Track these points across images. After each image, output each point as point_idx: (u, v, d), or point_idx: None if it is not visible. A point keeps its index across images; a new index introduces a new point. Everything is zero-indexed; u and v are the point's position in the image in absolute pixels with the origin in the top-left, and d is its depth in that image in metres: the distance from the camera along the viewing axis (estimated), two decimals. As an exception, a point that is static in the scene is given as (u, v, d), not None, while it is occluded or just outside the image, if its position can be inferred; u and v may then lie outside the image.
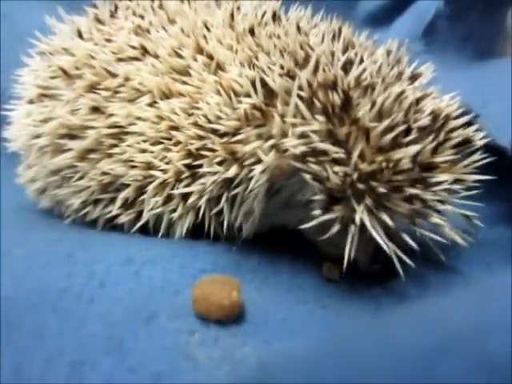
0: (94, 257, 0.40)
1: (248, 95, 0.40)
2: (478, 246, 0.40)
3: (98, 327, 0.31)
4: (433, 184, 0.37)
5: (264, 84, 0.40)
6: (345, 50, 0.42)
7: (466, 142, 0.40)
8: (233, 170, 0.40)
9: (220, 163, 0.41)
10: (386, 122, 0.36)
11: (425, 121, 0.38)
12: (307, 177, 0.36)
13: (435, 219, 0.37)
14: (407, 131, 0.37)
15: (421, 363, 0.17)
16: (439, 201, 0.38)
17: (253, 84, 0.40)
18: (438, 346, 0.18)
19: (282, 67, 0.40)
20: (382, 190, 0.35)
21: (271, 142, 0.38)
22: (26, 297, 0.34)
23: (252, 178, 0.39)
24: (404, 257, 0.36)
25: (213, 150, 0.41)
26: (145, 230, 0.48)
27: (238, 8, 0.51)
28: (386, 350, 0.20)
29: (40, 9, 0.89)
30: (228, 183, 0.41)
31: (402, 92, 0.39)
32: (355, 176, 0.35)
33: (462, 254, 0.42)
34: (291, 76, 0.39)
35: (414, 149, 0.36)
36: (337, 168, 0.35)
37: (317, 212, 0.36)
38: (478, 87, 0.55)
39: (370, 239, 0.36)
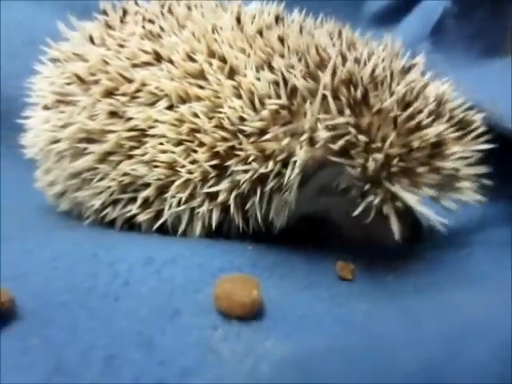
0: (116, 257, 0.41)
1: (269, 97, 0.43)
2: (487, 244, 0.42)
3: (125, 323, 0.33)
4: (448, 155, 0.42)
5: (285, 85, 0.42)
6: (348, 50, 0.46)
7: (469, 122, 0.45)
8: (267, 166, 0.42)
9: (252, 161, 0.43)
10: (410, 109, 0.41)
11: (432, 106, 0.43)
12: (343, 166, 0.40)
13: (461, 184, 0.43)
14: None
15: (448, 346, 0.19)
16: (456, 169, 0.42)
17: (274, 85, 0.43)
18: (462, 331, 0.19)
19: (303, 69, 0.43)
20: (416, 167, 0.40)
21: (304, 136, 0.41)
22: (56, 294, 0.35)
23: (284, 172, 0.41)
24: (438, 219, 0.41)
25: (242, 150, 0.43)
26: (160, 229, 0.49)
27: (242, 12, 0.53)
28: (413, 335, 0.21)
29: (50, 15, 0.91)
30: (261, 179, 0.43)
31: (412, 81, 0.44)
32: (388, 159, 0.39)
33: (472, 253, 0.44)
34: (312, 76, 0.42)
35: (435, 130, 0.41)
36: (369, 154, 0.39)
37: (357, 197, 0.41)
38: (485, 85, 0.57)
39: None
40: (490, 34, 0.72)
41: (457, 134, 0.44)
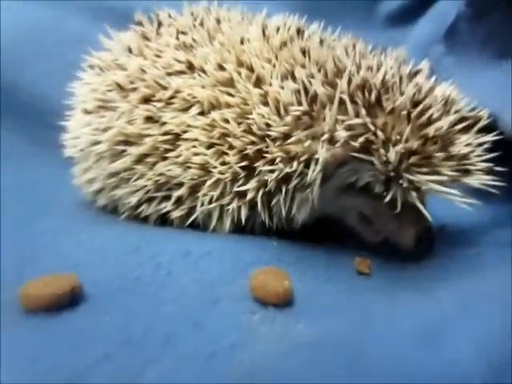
0: (157, 250, 0.46)
1: (292, 104, 0.47)
2: (496, 244, 0.46)
3: (174, 308, 0.37)
4: (460, 142, 0.47)
5: (306, 93, 0.47)
6: (361, 59, 0.50)
7: (475, 117, 0.50)
8: (291, 166, 0.46)
9: (278, 162, 0.47)
10: (420, 106, 0.45)
11: (439, 105, 0.47)
12: (364, 162, 0.45)
13: (479, 166, 0.47)
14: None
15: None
16: (468, 154, 0.47)
17: (296, 94, 0.47)
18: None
19: (322, 78, 0.47)
20: (432, 156, 0.44)
21: (324, 137, 0.45)
22: (110, 282, 0.40)
23: (306, 171, 0.46)
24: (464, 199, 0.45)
25: (268, 152, 0.48)
26: (191, 225, 0.54)
27: (267, 24, 0.57)
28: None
29: (78, 17, 0.96)
30: (286, 178, 0.48)
31: (419, 83, 0.49)
32: (405, 152, 0.44)
33: (481, 252, 0.48)
34: (330, 84, 0.47)
35: (445, 121, 0.46)
36: (388, 149, 0.44)
37: (380, 192, 0.46)
38: (499, 88, 0.60)
39: (417, 217, 0.46)
40: (504, 38, 0.71)
41: (465, 125, 0.48)
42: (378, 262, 0.49)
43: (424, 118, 0.45)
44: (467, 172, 0.46)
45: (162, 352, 0.32)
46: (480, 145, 0.48)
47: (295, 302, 0.40)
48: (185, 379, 0.30)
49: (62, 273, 0.38)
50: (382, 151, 0.44)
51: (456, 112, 0.48)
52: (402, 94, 0.46)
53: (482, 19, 0.70)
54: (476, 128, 0.49)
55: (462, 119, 0.48)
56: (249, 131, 0.49)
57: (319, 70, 0.48)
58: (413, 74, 0.51)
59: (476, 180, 0.47)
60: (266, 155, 0.48)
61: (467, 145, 0.47)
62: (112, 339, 0.32)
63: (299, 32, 0.55)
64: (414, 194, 0.44)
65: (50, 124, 0.64)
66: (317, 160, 0.45)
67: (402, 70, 0.50)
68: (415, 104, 0.46)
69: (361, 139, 0.44)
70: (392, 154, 0.44)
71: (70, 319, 0.34)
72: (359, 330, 0.35)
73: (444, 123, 0.46)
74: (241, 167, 0.50)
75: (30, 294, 0.35)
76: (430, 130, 0.45)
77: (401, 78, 0.48)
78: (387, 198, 0.45)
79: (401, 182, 0.44)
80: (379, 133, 0.44)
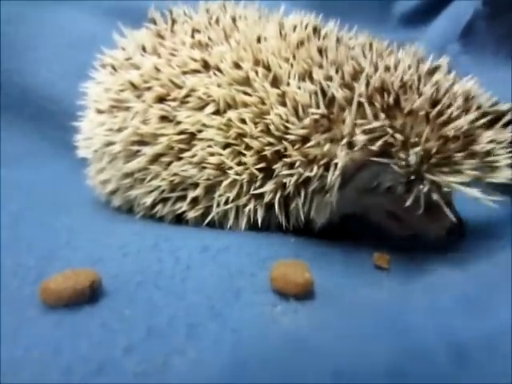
0: (175, 246, 0.46)
1: (309, 106, 0.47)
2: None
3: (196, 299, 0.37)
4: (481, 140, 0.45)
5: (323, 95, 0.46)
6: (379, 59, 0.50)
7: (497, 112, 0.48)
8: (311, 170, 0.46)
9: (298, 166, 0.47)
10: (439, 106, 0.45)
11: (460, 102, 0.46)
12: (384, 165, 0.44)
13: (503, 162, 0.45)
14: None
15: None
16: (490, 151, 0.45)
17: (314, 96, 0.47)
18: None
19: (340, 80, 0.47)
20: (453, 155, 0.43)
21: (344, 141, 0.45)
22: (131, 276, 0.39)
23: (326, 175, 0.45)
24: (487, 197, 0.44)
25: (287, 156, 0.48)
26: (206, 223, 0.54)
27: (284, 22, 0.57)
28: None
29: (90, 18, 0.97)
30: (304, 181, 0.47)
31: (438, 81, 0.48)
32: (426, 153, 0.43)
33: (505, 246, 0.47)
34: (348, 87, 0.46)
35: (466, 119, 0.45)
36: (408, 151, 0.43)
37: (402, 193, 0.45)
38: None
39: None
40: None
41: (486, 122, 0.47)
42: (397, 257, 0.49)
43: (443, 118, 0.45)
44: (491, 169, 0.45)
45: (186, 343, 0.32)
46: (504, 141, 0.47)
47: (316, 295, 0.40)
48: (210, 370, 0.30)
49: (81, 268, 0.38)
50: (401, 154, 0.43)
51: (477, 108, 0.47)
52: (420, 94, 0.45)
53: (499, 18, 0.70)
54: (500, 123, 0.48)
55: (484, 115, 0.47)
56: (266, 132, 0.49)
57: (336, 72, 0.48)
58: (431, 71, 0.50)
59: (500, 176, 0.45)
60: (284, 158, 0.48)
61: (490, 141, 0.45)
62: (135, 331, 0.32)
63: (316, 30, 0.55)
64: (436, 194, 0.44)
65: (64, 125, 0.64)
66: (336, 164, 0.45)
67: (420, 68, 0.49)
68: (434, 104, 0.45)
69: (379, 142, 0.43)
70: (412, 156, 0.43)
71: (92, 313, 0.34)
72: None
73: (464, 121, 0.45)
74: (258, 169, 0.49)
75: (50, 288, 0.35)
76: (450, 129, 0.44)
77: (419, 77, 0.47)
78: (409, 200, 0.44)
79: (423, 183, 0.44)
80: (398, 135, 0.43)
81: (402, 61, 0.50)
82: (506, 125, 0.48)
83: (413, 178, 0.44)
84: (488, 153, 0.45)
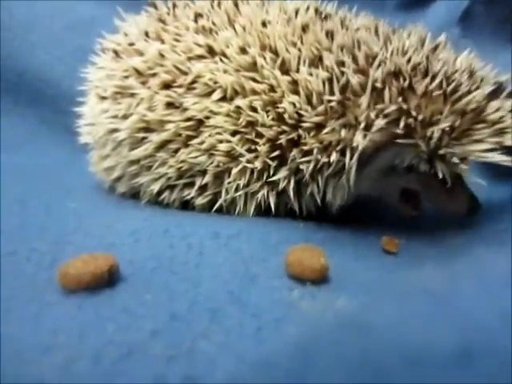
0: (186, 232, 0.45)
1: (323, 93, 0.47)
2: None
3: (213, 285, 0.37)
4: (492, 108, 0.47)
5: (337, 81, 0.46)
6: (385, 43, 0.50)
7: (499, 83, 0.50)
8: (328, 155, 0.46)
9: (315, 152, 0.47)
10: (453, 84, 0.46)
11: (465, 77, 0.48)
12: (404, 146, 0.46)
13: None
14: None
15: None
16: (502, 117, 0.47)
17: (327, 82, 0.47)
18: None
19: (353, 65, 0.47)
20: (471, 127, 0.45)
21: (361, 125, 0.45)
22: (145, 262, 0.39)
23: (342, 159, 0.46)
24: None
25: (303, 143, 0.48)
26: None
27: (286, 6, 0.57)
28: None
29: (90, 3, 0.95)
30: (321, 167, 0.48)
31: (444, 60, 0.49)
32: (446, 129, 0.45)
33: (507, 229, 0.48)
34: (362, 72, 0.47)
35: (479, 92, 0.47)
36: (428, 129, 0.45)
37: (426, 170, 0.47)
38: None
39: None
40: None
41: (492, 91, 0.48)
42: (405, 241, 0.49)
43: (458, 94, 0.46)
44: (504, 134, 0.47)
45: (210, 327, 0.31)
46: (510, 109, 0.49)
47: (331, 279, 0.40)
48: (235, 354, 0.30)
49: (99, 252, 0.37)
50: (421, 132, 0.45)
51: (481, 80, 0.49)
52: (432, 74, 0.46)
53: (498, 2, 0.70)
54: (504, 93, 0.49)
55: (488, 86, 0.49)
56: (279, 120, 0.49)
57: (349, 57, 0.48)
58: (434, 48, 0.51)
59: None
60: (300, 146, 0.48)
61: (497, 109, 0.47)
62: (158, 316, 0.32)
63: (317, 12, 0.55)
64: (461, 166, 0.46)
65: (63, 109, 0.64)
66: (352, 148, 0.46)
67: (425, 48, 0.50)
68: (447, 82, 0.46)
69: (401, 124, 0.44)
70: (433, 134, 0.44)
71: (113, 298, 0.34)
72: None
73: (476, 94, 0.46)
74: (272, 157, 0.50)
75: (69, 273, 0.35)
76: (464, 104, 0.46)
77: (427, 57, 0.48)
78: (438, 175, 0.46)
79: (447, 157, 0.45)
80: (416, 114, 0.44)
81: (408, 42, 0.50)
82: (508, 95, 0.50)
83: (435, 153, 0.45)
84: (498, 121, 0.47)
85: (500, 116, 0.47)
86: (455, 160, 0.45)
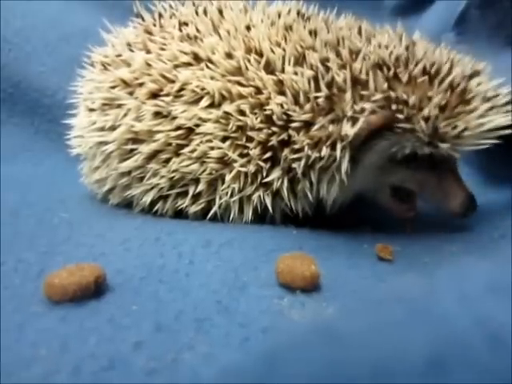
0: (177, 240, 0.45)
1: (309, 91, 0.47)
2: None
3: (202, 294, 0.36)
4: (474, 85, 0.49)
5: (323, 78, 0.47)
6: (368, 39, 0.51)
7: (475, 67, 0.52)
8: (319, 151, 0.47)
9: (306, 149, 0.48)
10: (435, 67, 0.48)
11: (444, 60, 0.50)
12: (403, 131, 0.47)
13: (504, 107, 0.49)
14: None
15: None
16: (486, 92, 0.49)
17: (313, 80, 0.48)
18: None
19: (337, 61, 0.48)
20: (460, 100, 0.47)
21: (348, 115, 0.46)
22: (134, 271, 0.39)
23: (333, 153, 0.46)
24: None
25: (293, 142, 0.48)
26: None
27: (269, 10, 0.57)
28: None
29: (81, 12, 0.96)
30: (313, 163, 0.48)
31: (423, 51, 0.50)
32: (439, 108, 0.46)
33: (505, 235, 0.48)
34: (346, 67, 0.47)
35: (459, 70, 0.49)
36: (421, 111, 0.46)
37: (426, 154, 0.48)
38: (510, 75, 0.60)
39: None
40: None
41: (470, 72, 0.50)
42: (399, 248, 0.48)
43: (440, 76, 0.48)
44: (494, 98, 0.49)
45: (195, 338, 0.31)
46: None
47: (323, 287, 0.39)
48: (221, 364, 0.29)
49: (85, 263, 0.37)
50: (416, 117, 0.46)
51: (459, 61, 0.51)
52: (416, 62, 0.48)
53: (493, 6, 0.70)
54: (481, 75, 0.51)
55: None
56: (268, 122, 0.49)
57: (333, 53, 0.49)
58: (413, 42, 0.52)
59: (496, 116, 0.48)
60: (291, 145, 0.49)
61: (479, 84, 0.49)
62: (143, 327, 0.31)
63: (299, 14, 0.56)
64: (461, 141, 0.47)
65: (58, 118, 0.64)
66: (342, 139, 0.46)
67: (404, 42, 0.51)
68: (430, 66, 0.48)
69: (393, 107, 0.46)
70: (430, 113, 0.46)
71: (99, 308, 0.33)
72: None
73: (457, 73, 0.48)
74: (264, 159, 0.49)
75: (54, 284, 0.34)
76: (449, 82, 0.47)
77: (408, 49, 0.50)
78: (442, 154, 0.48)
79: (447, 134, 0.47)
80: (405, 99, 0.46)
81: (388, 38, 0.52)
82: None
83: (434, 133, 0.47)
84: (484, 91, 0.49)
85: (485, 88, 0.49)
86: (455, 133, 0.46)
